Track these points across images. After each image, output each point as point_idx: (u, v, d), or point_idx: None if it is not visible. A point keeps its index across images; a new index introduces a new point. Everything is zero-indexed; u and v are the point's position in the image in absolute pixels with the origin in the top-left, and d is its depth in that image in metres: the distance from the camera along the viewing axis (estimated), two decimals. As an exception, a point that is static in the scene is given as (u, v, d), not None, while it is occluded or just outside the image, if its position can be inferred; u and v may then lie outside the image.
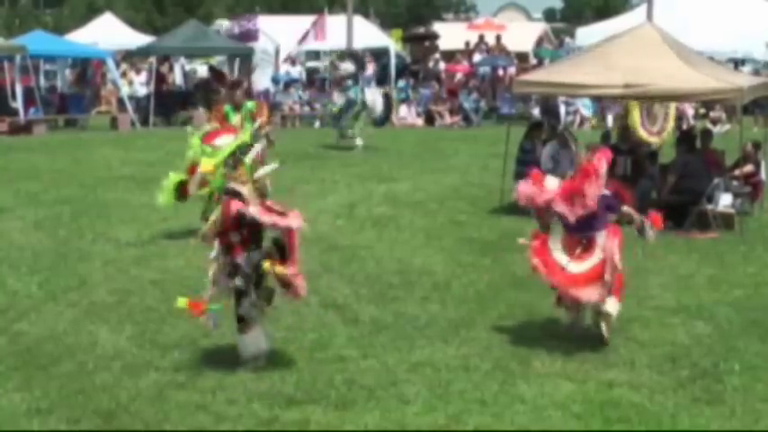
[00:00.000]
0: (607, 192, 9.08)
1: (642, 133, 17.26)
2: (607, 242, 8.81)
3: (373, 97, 23.69)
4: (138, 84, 31.11)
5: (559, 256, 8.89)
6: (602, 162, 8.88)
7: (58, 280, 10.97)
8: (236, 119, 12.81)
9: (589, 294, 8.75)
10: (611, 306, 8.82)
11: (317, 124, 30.46)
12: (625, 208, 9.33)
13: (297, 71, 33.93)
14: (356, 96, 23.74)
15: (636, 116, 17.56)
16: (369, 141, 23.58)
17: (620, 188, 9.50)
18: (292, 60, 34.07)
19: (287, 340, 8.92)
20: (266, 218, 7.81)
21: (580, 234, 8.92)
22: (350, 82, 26.48)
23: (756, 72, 30.11)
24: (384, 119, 23.71)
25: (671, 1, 29.74)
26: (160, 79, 31.20)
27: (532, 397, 7.63)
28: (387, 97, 24.08)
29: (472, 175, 19.26)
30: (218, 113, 12.96)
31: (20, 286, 10.69)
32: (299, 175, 19.05)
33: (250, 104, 13.37)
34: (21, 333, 9.09)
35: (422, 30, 45.16)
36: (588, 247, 8.88)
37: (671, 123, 17.98)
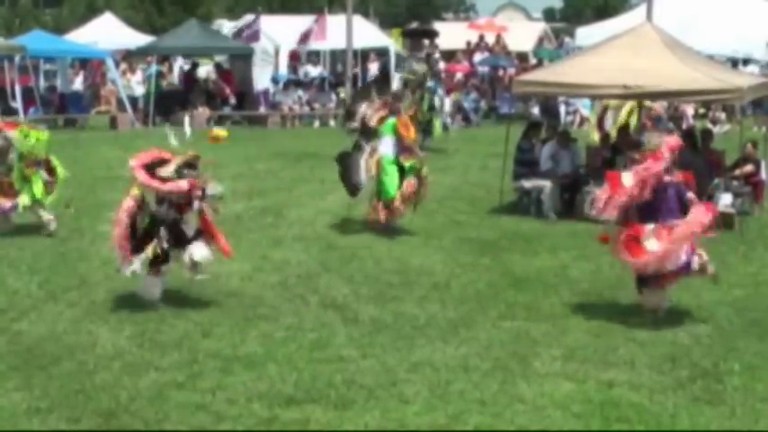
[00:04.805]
0: (675, 179, 9.67)
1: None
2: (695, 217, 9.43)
3: (442, 101, 23.84)
4: (135, 83, 31.06)
5: (650, 243, 9.39)
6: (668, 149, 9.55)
7: (58, 279, 10.98)
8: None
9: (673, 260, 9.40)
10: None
11: (317, 124, 30.47)
12: (690, 194, 9.71)
13: (317, 71, 33.86)
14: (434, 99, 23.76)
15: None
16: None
17: (686, 176, 9.82)
18: (313, 61, 34.11)
19: (287, 339, 8.93)
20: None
21: (657, 221, 9.48)
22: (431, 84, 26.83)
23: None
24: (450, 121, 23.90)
25: (671, 1, 29.68)
26: (162, 77, 31.30)
27: (532, 397, 7.64)
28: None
29: (471, 175, 19.27)
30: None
31: (20, 286, 10.70)
32: (299, 175, 19.07)
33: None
34: (21, 332, 9.10)
35: (414, 24, 45.11)
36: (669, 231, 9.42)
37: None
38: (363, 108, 13.88)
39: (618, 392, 7.77)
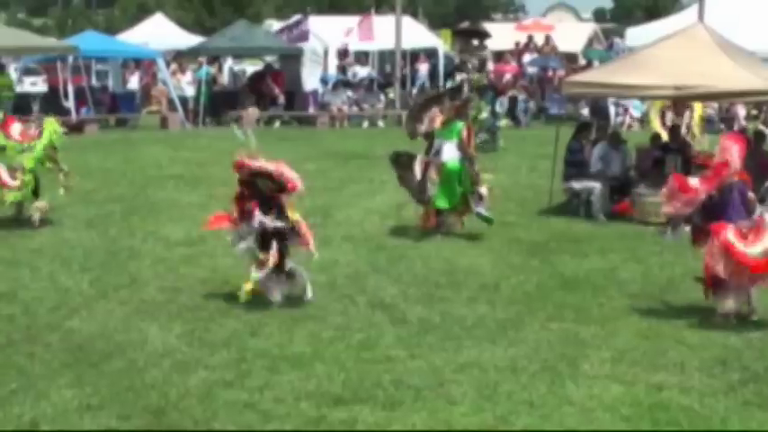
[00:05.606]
0: (737, 180, 9.63)
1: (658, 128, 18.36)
2: None
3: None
4: (185, 84, 31.31)
5: (737, 243, 9.27)
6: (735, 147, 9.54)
7: (109, 278, 11.09)
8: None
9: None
10: None
11: (366, 124, 30.53)
12: (751, 194, 9.69)
13: (365, 71, 33.93)
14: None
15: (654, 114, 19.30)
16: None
17: (743, 175, 9.74)
18: (360, 61, 34.17)
19: (335, 339, 8.95)
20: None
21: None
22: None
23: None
24: None
25: (722, 1, 29.33)
26: (214, 83, 31.68)
27: (581, 399, 7.59)
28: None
29: (521, 176, 19.19)
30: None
31: (71, 283, 10.83)
32: (348, 175, 19.10)
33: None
34: (72, 330, 9.20)
35: (465, 24, 44.98)
36: (755, 232, 9.35)
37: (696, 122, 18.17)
38: (433, 112, 13.63)
39: (667, 395, 7.70)
